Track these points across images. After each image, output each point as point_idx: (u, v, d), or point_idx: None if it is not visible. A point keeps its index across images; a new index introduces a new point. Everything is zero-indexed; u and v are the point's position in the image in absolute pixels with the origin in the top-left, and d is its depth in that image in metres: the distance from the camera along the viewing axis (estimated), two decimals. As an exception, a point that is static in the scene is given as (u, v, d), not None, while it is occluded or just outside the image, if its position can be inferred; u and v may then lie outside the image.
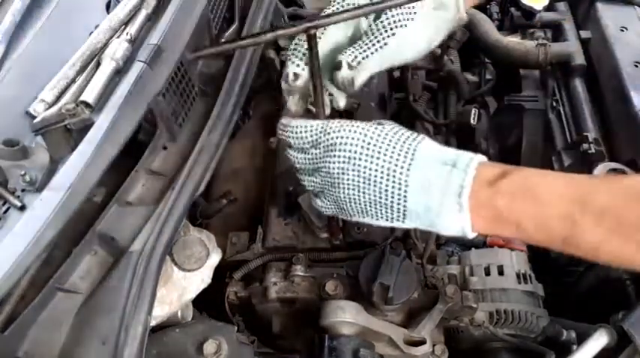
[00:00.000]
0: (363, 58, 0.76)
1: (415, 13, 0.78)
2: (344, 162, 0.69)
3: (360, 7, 0.75)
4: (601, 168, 1.04)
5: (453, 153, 0.67)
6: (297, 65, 0.78)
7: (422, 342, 0.87)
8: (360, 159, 0.68)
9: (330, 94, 0.83)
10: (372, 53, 0.77)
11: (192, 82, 0.95)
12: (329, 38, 0.79)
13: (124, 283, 0.74)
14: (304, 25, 0.73)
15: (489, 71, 1.53)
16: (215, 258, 0.91)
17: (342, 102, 0.83)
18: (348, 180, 0.69)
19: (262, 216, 1.07)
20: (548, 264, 1.13)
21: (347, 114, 1.16)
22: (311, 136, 0.73)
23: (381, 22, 0.78)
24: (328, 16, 0.75)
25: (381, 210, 0.70)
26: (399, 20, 0.77)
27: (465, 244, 1.13)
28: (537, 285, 1.03)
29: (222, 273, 0.99)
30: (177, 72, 0.89)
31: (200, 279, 0.88)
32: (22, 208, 0.73)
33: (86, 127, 0.77)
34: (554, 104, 1.32)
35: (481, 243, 1.13)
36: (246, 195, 1.15)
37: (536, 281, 1.03)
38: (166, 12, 0.90)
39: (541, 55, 1.31)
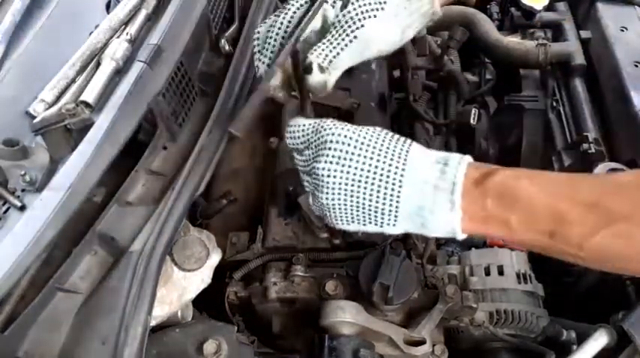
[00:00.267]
0: (334, 57, 0.73)
1: (385, 2, 0.75)
2: (331, 162, 0.66)
3: None
4: (601, 168, 1.04)
5: (443, 153, 0.67)
6: (264, 62, 0.76)
7: (422, 342, 0.87)
8: (350, 160, 0.66)
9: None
10: (342, 49, 0.73)
11: (192, 82, 0.95)
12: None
13: (124, 283, 0.74)
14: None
15: (489, 71, 1.53)
16: (215, 258, 0.91)
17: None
18: (334, 183, 0.66)
19: (262, 216, 1.07)
20: (548, 264, 1.13)
21: (347, 114, 1.16)
22: (304, 136, 0.71)
23: (349, 12, 0.74)
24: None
25: (370, 215, 0.67)
26: (367, 11, 0.74)
27: (465, 244, 1.13)
28: (537, 285, 1.03)
29: (222, 273, 0.99)
30: (177, 72, 0.89)
31: (200, 279, 0.88)
32: (22, 208, 0.73)
33: (86, 127, 0.78)
34: (554, 104, 1.32)
35: (481, 243, 1.13)
36: (246, 195, 1.15)
37: (536, 281, 1.03)
38: (166, 12, 0.91)
39: (541, 55, 1.31)
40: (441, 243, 1.13)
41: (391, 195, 0.65)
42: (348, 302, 0.89)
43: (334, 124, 0.70)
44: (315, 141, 0.70)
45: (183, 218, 0.83)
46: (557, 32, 1.40)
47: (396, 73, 1.49)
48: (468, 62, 1.56)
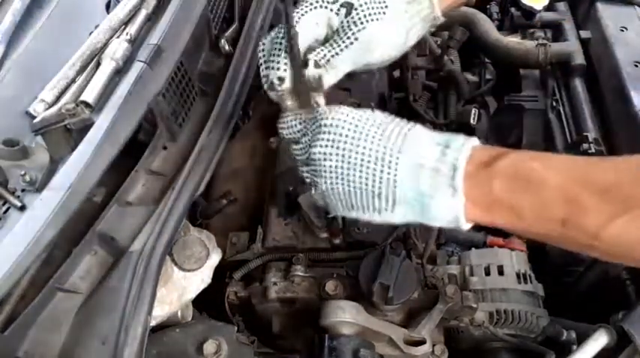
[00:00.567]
0: (332, 56, 0.73)
1: (387, 7, 0.75)
2: (326, 146, 0.65)
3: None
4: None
5: (446, 135, 0.64)
6: (278, 69, 0.74)
7: (422, 342, 0.87)
8: (345, 143, 0.64)
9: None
10: (341, 50, 0.74)
11: (192, 82, 0.95)
12: (301, 40, 0.75)
13: (124, 283, 0.74)
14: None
15: (489, 71, 1.53)
16: (215, 258, 0.91)
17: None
18: (331, 166, 0.65)
19: (262, 216, 1.07)
20: (548, 264, 1.13)
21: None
22: (300, 124, 0.71)
23: (352, 17, 0.75)
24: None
25: (367, 200, 0.65)
26: (370, 14, 0.74)
27: (465, 244, 1.13)
28: (537, 285, 1.03)
29: (222, 273, 0.99)
30: (177, 72, 0.89)
31: (200, 279, 0.88)
32: (22, 208, 0.73)
33: (86, 127, 0.78)
34: (554, 104, 1.32)
35: (481, 242, 1.13)
36: (246, 195, 1.15)
37: (536, 281, 1.03)
38: (166, 12, 0.90)
39: (541, 55, 1.31)
40: (441, 242, 1.13)
41: (387, 179, 0.62)
42: (348, 302, 0.89)
43: (330, 108, 0.69)
44: (311, 127, 0.69)
45: (183, 218, 0.83)
46: (557, 32, 1.40)
47: (396, 73, 1.49)
48: (468, 62, 1.56)
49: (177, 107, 0.91)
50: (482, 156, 0.61)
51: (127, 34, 0.88)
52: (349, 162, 0.64)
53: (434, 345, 0.90)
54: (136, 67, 0.82)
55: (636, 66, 1.17)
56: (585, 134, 1.13)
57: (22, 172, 0.75)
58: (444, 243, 1.13)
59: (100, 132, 0.76)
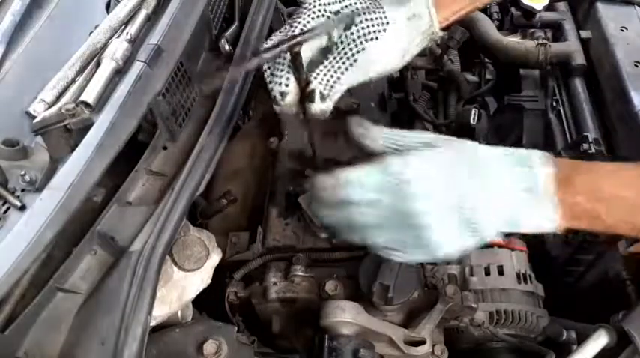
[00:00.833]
0: (335, 82, 0.73)
1: (387, 23, 0.75)
2: (422, 201, 0.63)
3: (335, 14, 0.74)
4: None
5: (524, 152, 0.67)
6: (280, 84, 0.74)
7: (422, 342, 0.87)
8: (438, 191, 0.63)
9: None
10: (342, 73, 0.74)
11: (192, 82, 0.95)
12: (303, 49, 0.74)
13: (124, 283, 0.73)
14: (287, 44, 0.70)
15: (489, 71, 1.53)
16: (215, 258, 0.91)
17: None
18: (435, 220, 0.64)
19: (262, 216, 1.07)
20: (548, 264, 1.13)
21: (347, 114, 1.16)
22: (375, 180, 0.63)
23: (352, 34, 0.74)
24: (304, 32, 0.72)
25: (468, 228, 0.66)
26: (370, 33, 0.74)
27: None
28: (537, 285, 1.03)
29: (222, 273, 0.99)
30: (177, 72, 0.89)
31: (200, 279, 0.88)
32: (22, 208, 0.73)
33: (86, 127, 0.78)
34: (554, 104, 1.32)
35: (481, 242, 1.12)
36: (246, 195, 1.15)
37: (536, 281, 1.03)
38: (166, 12, 0.91)
39: (541, 55, 1.31)
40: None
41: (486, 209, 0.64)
42: (348, 302, 0.89)
43: (404, 161, 0.65)
44: (390, 183, 0.63)
45: (183, 218, 0.83)
46: (557, 32, 1.40)
47: (396, 73, 1.49)
48: (468, 62, 1.56)
49: (177, 107, 0.91)
50: (560, 170, 0.65)
51: (127, 34, 0.89)
52: (449, 207, 0.64)
53: (434, 345, 0.90)
54: (136, 67, 0.83)
55: (636, 66, 1.17)
56: (585, 134, 1.13)
57: (22, 172, 0.75)
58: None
59: (100, 132, 0.76)
